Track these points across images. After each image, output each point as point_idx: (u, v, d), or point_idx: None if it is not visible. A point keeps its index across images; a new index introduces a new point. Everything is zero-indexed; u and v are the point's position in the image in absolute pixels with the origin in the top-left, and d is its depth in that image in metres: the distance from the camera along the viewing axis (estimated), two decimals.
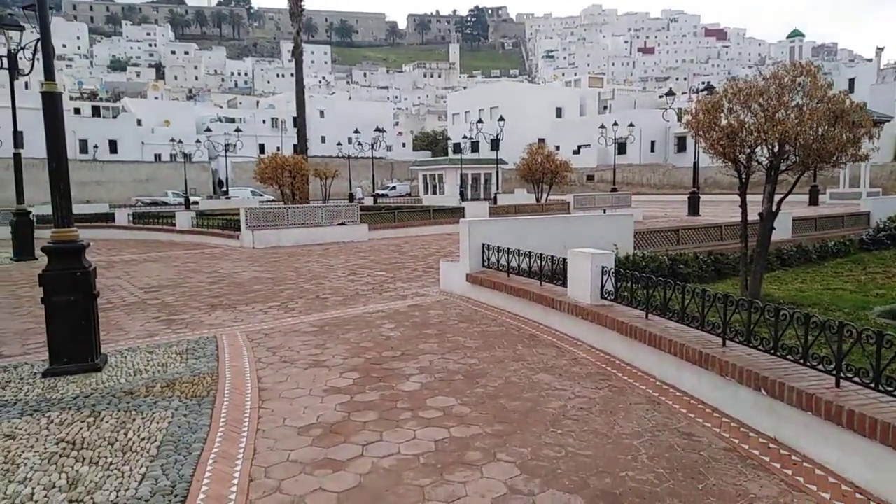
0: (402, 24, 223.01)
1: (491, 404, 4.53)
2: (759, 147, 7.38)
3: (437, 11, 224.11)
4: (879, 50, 72.45)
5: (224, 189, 55.84)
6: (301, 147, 23.92)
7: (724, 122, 7.41)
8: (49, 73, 5.46)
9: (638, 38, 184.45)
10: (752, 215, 8.06)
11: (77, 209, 28.74)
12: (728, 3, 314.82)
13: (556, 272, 7.18)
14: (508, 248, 8.04)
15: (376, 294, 9.08)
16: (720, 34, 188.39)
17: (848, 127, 6.64)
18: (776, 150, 7.16)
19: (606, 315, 5.71)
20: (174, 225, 20.18)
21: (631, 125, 52.16)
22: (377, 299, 8.66)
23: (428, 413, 4.39)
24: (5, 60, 14.41)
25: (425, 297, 8.74)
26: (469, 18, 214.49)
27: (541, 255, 7.42)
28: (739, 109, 7.39)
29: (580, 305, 6.18)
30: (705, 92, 30.91)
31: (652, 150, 63.16)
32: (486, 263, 8.58)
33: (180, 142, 55.09)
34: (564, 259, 6.97)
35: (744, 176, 7.68)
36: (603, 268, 6.13)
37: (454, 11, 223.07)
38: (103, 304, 8.63)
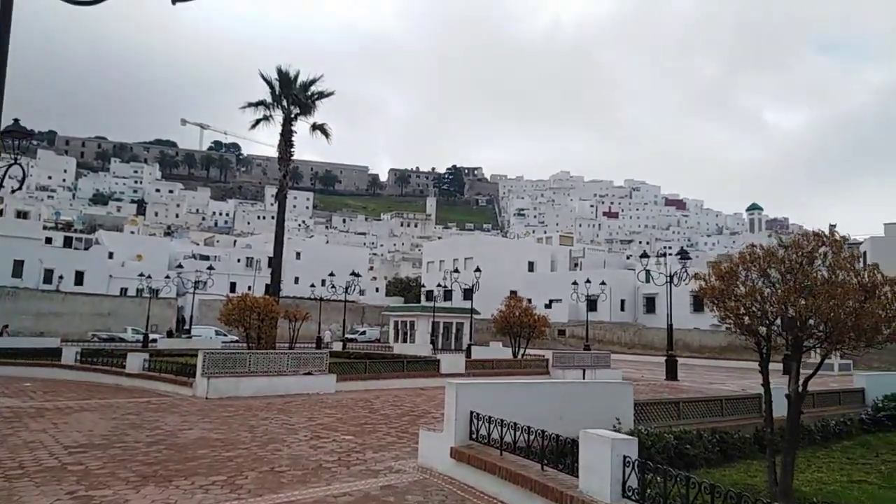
0: (384, 177, 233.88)
1: None
2: (780, 319, 6.75)
3: (417, 168, 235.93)
4: (832, 227, 76.96)
5: (186, 327, 53.85)
6: (274, 288, 23.07)
7: (742, 290, 6.81)
8: None
9: (603, 203, 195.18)
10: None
11: (26, 343, 26.89)
12: (686, 177, 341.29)
13: (563, 451, 6.09)
14: (503, 420, 6.96)
15: (342, 467, 7.72)
16: (679, 204, 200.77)
17: (880, 304, 6.06)
18: (799, 323, 6.50)
19: None
20: (124, 367, 18.52)
21: (603, 283, 52.88)
22: (343, 475, 7.32)
23: None
24: None
25: (401, 475, 7.42)
26: (447, 176, 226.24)
27: (542, 432, 6.35)
28: (756, 278, 6.84)
29: None
30: (679, 257, 31.58)
31: (622, 309, 63.76)
32: (474, 435, 7.43)
33: (149, 277, 53.93)
34: (571, 440, 5.93)
35: (765, 350, 6.95)
36: (625, 458, 5.09)
37: (433, 169, 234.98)
38: (14, 469, 7.15)
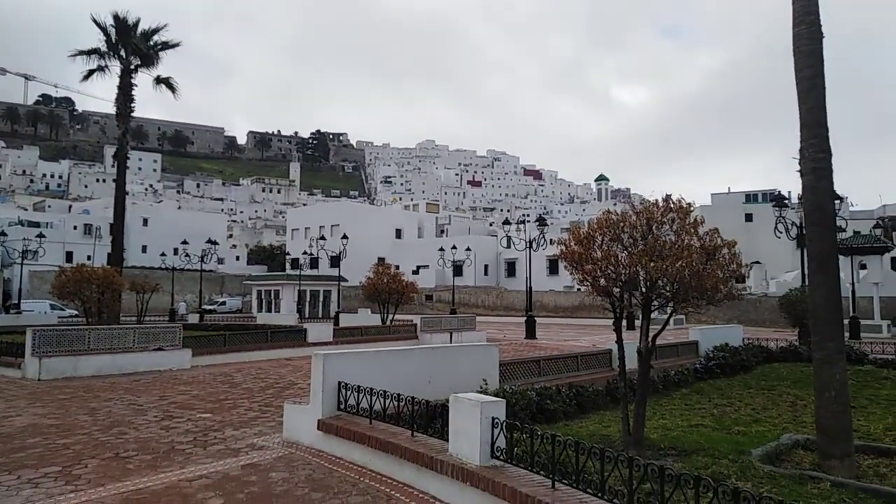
0: (242, 140, 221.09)
1: None
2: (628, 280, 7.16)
3: (279, 131, 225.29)
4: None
5: (13, 302, 47.93)
6: (116, 258, 20.91)
7: (598, 254, 7.12)
8: None
9: (467, 171, 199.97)
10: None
11: None
12: (543, 148, 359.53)
13: (433, 416, 6.06)
14: (372, 389, 6.81)
15: (199, 448, 7.19)
16: (536, 174, 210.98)
17: (719, 265, 6.61)
18: (649, 284, 6.94)
19: (504, 483, 4.64)
20: None
21: (468, 249, 54.38)
22: (199, 456, 6.80)
23: None
24: None
25: (264, 451, 7.05)
26: (311, 140, 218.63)
27: (412, 398, 6.28)
28: (610, 242, 7.18)
29: (467, 468, 5.07)
30: (537, 224, 33.10)
31: (485, 274, 66.18)
32: (342, 406, 7.22)
33: None
34: (441, 404, 5.91)
35: (618, 310, 7.36)
36: (493, 419, 5.15)
37: (296, 133, 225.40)
38: None
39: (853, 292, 27.24)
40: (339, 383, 7.27)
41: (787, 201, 24.35)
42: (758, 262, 48.37)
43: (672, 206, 6.95)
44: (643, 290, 7.05)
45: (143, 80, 25.39)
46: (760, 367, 15.76)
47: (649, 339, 7.25)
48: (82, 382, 12.81)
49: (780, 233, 21.99)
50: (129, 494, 5.45)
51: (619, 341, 7.57)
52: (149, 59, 23.95)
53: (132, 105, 23.08)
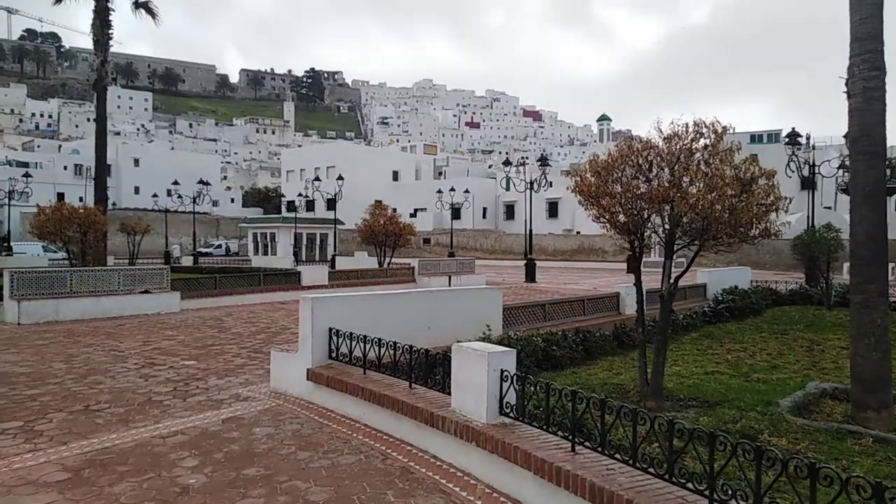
0: (234, 78, 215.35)
1: None
2: (654, 217, 6.41)
3: (272, 69, 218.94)
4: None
5: (6, 244, 47.20)
6: (100, 196, 19.99)
7: (618, 188, 6.34)
8: None
9: (465, 112, 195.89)
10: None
11: None
12: (542, 87, 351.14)
13: (433, 365, 5.45)
14: (366, 336, 6.17)
15: (178, 399, 6.60)
16: (536, 115, 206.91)
17: (756, 197, 5.85)
18: (675, 220, 6.19)
19: (516, 445, 4.03)
20: None
21: (466, 191, 53.35)
22: (178, 409, 6.21)
23: None
24: None
25: (249, 403, 6.46)
26: (305, 79, 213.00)
27: (410, 346, 5.64)
28: (633, 174, 6.39)
29: (473, 427, 4.46)
30: (539, 164, 32.04)
31: (484, 217, 65.38)
32: (334, 354, 6.60)
33: None
34: (443, 353, 5.28)
35: (638, 250, 6.64)
36: (503, 371, 4.50)
37: (289, 71, 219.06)
38: None
39: None
40: (330, 330, 6.62)
41: (799, 138, 23.37)
42: None
43: (704, 129, 6.11)
44: (666, 227, 6.32)
45: (122, 6, 23.54)
46: (770, 310, 15.27)
47: (671, 282, 6.57)
48: (64, 327, 12.22)
49: (793, 172, 21.14)
50: (93, 454, 4.84)
51: (639, 283, 6.88)
52: None
53: (110, 32, 21.54)
